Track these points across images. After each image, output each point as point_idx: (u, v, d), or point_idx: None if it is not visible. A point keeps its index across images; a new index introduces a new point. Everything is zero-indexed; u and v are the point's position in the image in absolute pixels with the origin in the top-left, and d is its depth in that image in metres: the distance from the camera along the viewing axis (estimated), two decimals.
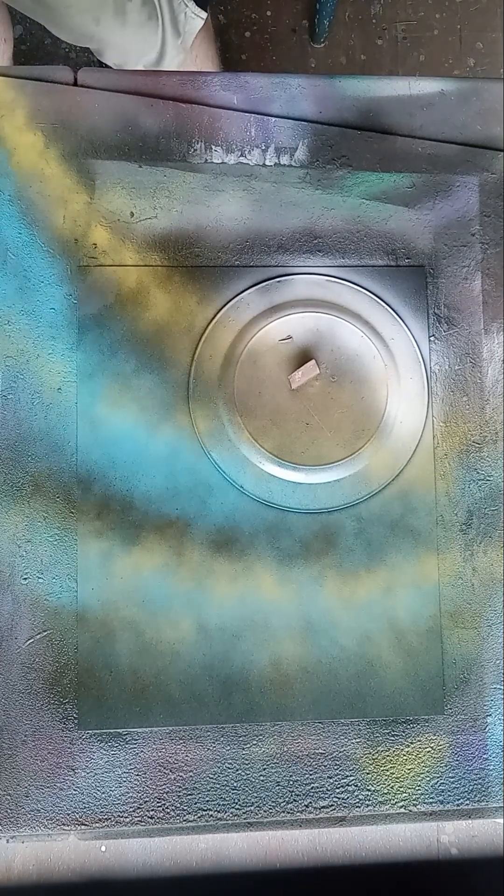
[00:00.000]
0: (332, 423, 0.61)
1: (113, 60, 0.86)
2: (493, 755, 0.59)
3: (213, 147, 0.62)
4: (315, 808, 0.58)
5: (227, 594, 0.59)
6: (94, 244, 0.61)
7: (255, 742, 0.58)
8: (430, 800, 0.59)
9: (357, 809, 0.58)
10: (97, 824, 0.57)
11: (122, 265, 0.61)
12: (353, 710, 0.59)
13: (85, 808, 0.57)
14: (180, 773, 0.58)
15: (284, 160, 0.62)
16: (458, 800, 0.59)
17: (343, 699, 0.59)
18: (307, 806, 0.58)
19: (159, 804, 0.57)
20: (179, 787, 0.57)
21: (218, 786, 0.58)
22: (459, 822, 0.60)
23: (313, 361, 0.60)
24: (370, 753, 0.59)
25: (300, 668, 0.59)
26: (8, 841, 0.57)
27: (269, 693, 0.58)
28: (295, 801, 0.58)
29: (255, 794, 0.58)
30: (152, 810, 0.57)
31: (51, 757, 0.57)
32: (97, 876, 0.58)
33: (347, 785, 0.58)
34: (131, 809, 0.57)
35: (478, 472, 0.61)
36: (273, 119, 0.62)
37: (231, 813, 0.57)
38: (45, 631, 0.58)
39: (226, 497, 0.60)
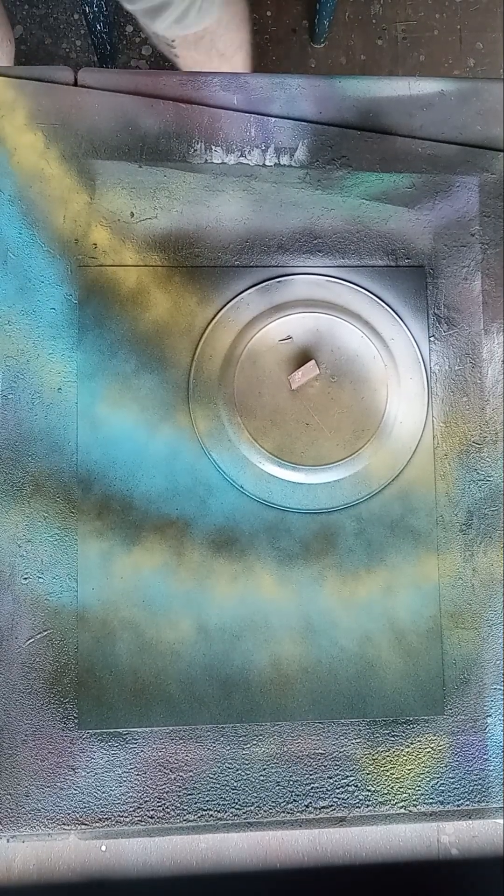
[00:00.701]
0: (331, 423, 0.61)
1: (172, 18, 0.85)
2: (494, 756, 0.59)
3: (214, 147, 0.62)
4: (315, 808, 0.58)
5: (227, 594, 0.59)
6: (95, 244, 0.61)
7: (255, 742, 0.58)
8: (431, 800, 0.59)
9: (357, 810, 0.58)
10: (97, 824, 0.57)
11: (123, 265, 0.61)
12: (354, 711, 0.59)
13: (85, 807, 0.57)
14: (180, 773, 0.58)
15: (284, 160, 0.62)
16: (459, 800, 0.59)
17: (343, 699, 0.59)
18: (307, 806, 0.58)
19: (159, 804, 0.57)
20: (179, 786, 0.57)
21: (218, 786, 0.58)
22: (460, 822, 0.60)
23: (313, 362, 0.60)
24: (370, 754, 0.59)
25: (300, 669, 0.59)
26: (8, 840, 0.57)
27: (269, 693, 0.58)
28: (295, 801, 0.58)
29: (256, 794, 0.58)
30: (152, 810, 0.57)
31: (51, 756, 0.57)
32: (97, 876, 0.58)
33: (347, 785, 0.58)
34: (131, 809, 0.57)
35: (478, 473, 0.61)
36: (273, 119, 0.62)
37: (231, 813, 0.57)
38: (45, 630, 0.58)
39: (226, 497, 0.60)
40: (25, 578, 0.58)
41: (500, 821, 0.60)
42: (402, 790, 0.59)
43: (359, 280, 0.62)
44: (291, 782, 0.58)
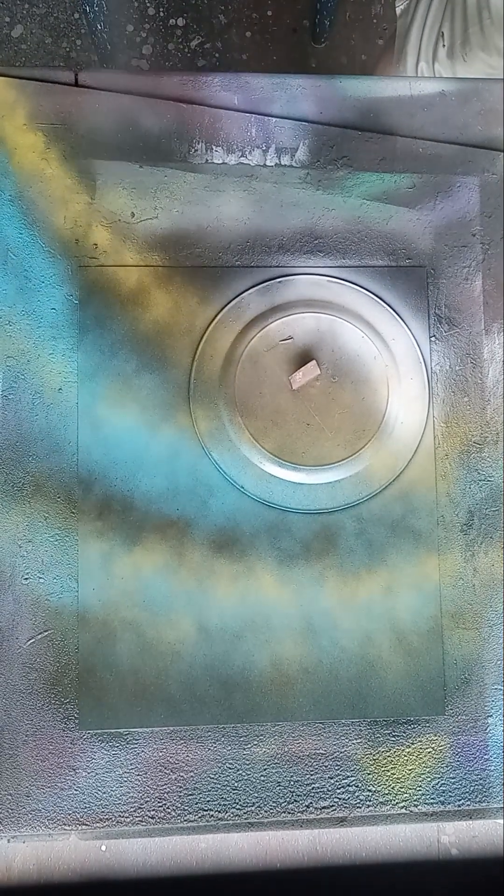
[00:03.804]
0: (332, 423, 0.61)
1: None
2: (494, 756, 0.59)
3: (214, 147, 0.62)
4: (316, 808, 0.58)
5: (228, 594, 0.59)
6: (95, 244, 0.61)
7: (255, 742, 0.58)
8: (431, 800, 0.59)
9: (358, 810, 0.58)
10: (98, 824, 0.57)
11: (123, 265, 0.61)
12: (354, 711, 0.59)
13: (86, 807, 0.57)
14: (181, 774, 0.58)
15: (285, 160, 0.62)
16: (459, 800, 0.59)
17: (344, 700, 0.59)
18: (308, 806, 0.58)
19: (160, 804, 0.57)
20: (180, 787, 0.57)
21: (219, 786, 0.58)
22: (460, 822, 0.60)
23: (314, 362, 0.60)
24: (371, 754, 0.59)
25: (301, 669, 0.59)
26: (9, 841, 0.57)
27: (269, 693, 0.58)
28: (296, 801, 0.58)
29: (256, 795, 0.58)
30: (153, 810, 0.57)
31: (52, 757, 0.57)
32: (98, 875, 0.58)
33: (348, 785, 0.58)
34: (132, 809, 0.57)
35: (478, 473, 0.61)
36: (274, 119, 0.62)
37: (232, 813, 0.57)
38: (46, 631, 0.58)
39: (226, 497, 0.60)
40: (26, 579, 0.58)
41: (501, 821, 0.60)
42: (402, 790, 0.59)
43: (359, 280, 0.62)
44: (292, 782, 0.58)
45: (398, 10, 0.95)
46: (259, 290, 0.61)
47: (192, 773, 0.58)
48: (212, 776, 0.58)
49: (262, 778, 0.58)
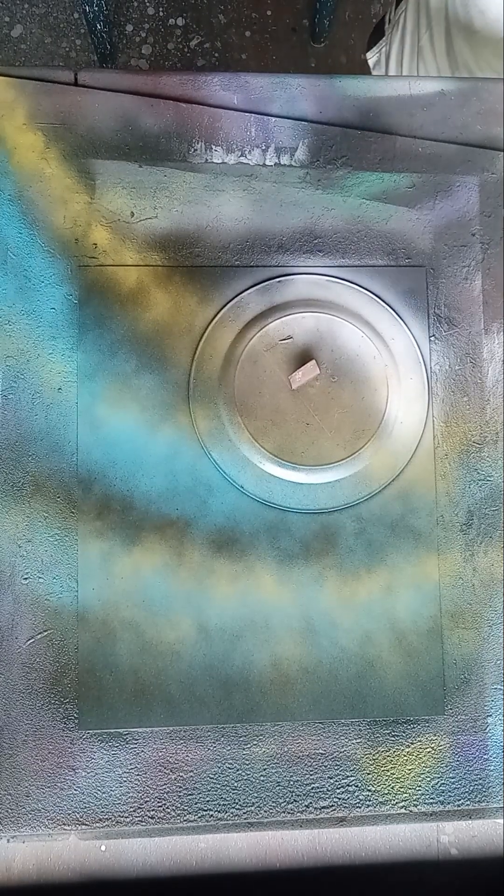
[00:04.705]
0: (332, 423, 0.61)
1: None
2: (494, 755, 0.59)
3: (214, 147, 0.62)
4: (315, 808, 0.58)
5: (228, 594, 0.59)
6: (95, 244, 0.61)
7: (255, 742, 0.58)
8: (431, 800, 0.59)
9: (357, 810, 0.58)
10: (98, 824, 0.57)
11: (123, 265, 0.61)
12: (354, 711, 0.59)
13: (85, 807, 0.57)
14: (181, 774, 0.58)
15: (285, 160, 0.62)
16: (459, 800, 0.59)
17: (343, 699, 0.59)
18: (307, 806, 0.58)
19: (160, 804, 0.57)
20: (180, 787, 0.57)
21: (218, 786, 0.58)
22: (459, 822, 0.60)
23: (313, 361, 0.60)
24: (371, 754, 0.59)
25: (301, 669, 0.59)
26: (8, 840, 0.57)
27: (269, 693, 0.58)
28: (295, 801, 0.58)
29: (256, 795, 0.58)
30: (153, 810, 0.57)
31: (51, 757, 0.57)
32: (97, 875, 0.58)
33: (348, 785, 0.58)
34: (132, 809, 0.57)
35: (478, 473, 0.61)
36: (273, 119, 0.62)
37: (231, 813, 0.57)
38: (45, 631, 0.58)
39: (226, 497, 0.60)
40: (26, 578, 0.58)
41: (500, 821, 0.60)
42: (402, 790, 0.59)
43: (359, 280, 0.62)
44: (292, 782, 0.58)
45: (371, 62, 0.96)
46: (258, 290, 0.61)
47: (191, 773, 0.58)
48: (211, 776, 0.58)
49: (262, 778, 0.58)
